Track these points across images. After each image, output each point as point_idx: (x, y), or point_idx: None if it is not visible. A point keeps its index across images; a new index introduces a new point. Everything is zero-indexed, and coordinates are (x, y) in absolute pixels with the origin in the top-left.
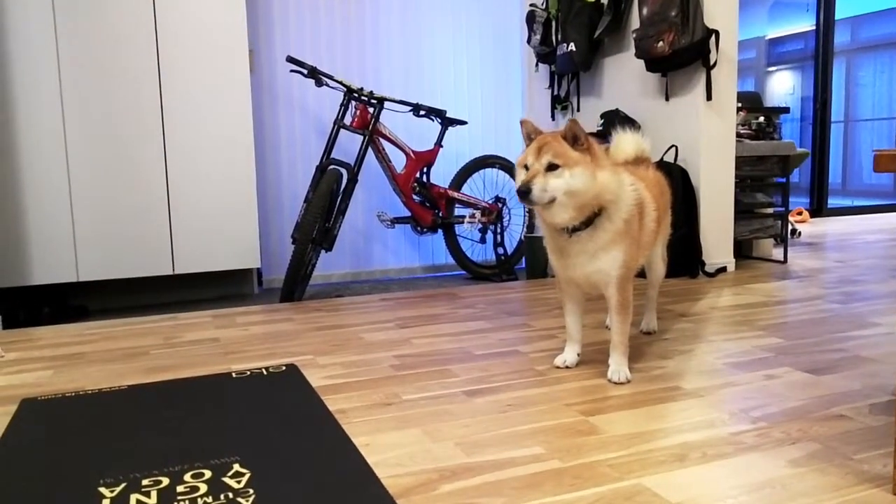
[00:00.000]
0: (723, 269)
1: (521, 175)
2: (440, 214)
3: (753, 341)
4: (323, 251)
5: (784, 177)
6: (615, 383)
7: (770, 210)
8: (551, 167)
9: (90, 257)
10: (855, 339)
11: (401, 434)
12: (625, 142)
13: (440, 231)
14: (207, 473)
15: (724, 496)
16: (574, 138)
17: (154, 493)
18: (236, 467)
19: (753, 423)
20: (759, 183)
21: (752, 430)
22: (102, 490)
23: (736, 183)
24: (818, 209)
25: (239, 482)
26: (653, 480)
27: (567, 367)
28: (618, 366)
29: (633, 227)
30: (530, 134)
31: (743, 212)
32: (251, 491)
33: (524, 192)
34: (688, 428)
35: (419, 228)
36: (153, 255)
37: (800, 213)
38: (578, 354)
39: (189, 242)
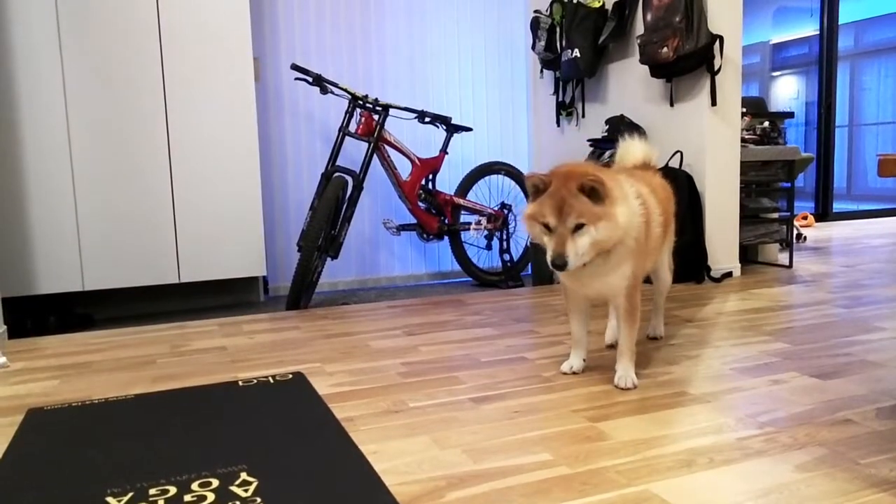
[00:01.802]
0: (728, 275)
1: (535, 229)
2: (446, 221)
3: (760, 346)
4: (329, 259)
5: (789, 181)
6: (622, 389)
7: (775, 215)
8: (577, 227)
9: (96, 266)
10: (861, 344)
11: (408, 441)
12: (633, 148)
13: (446, 238)
14: (215, 482)
15: (732, 502)
16: (592, 192)
17: (161, 503)
18: (243, 476)
19: (760, 428)
20: (765, 188)
21: (759, 436)
22: (109, 500)
23: (741, 188)
24: (823, 214)
25: (246, 491)
26: (660, 486)
27: (574, 373)
28: (625, 371)
29: (640, 240)
30: (537, 185)
31: (748, 217)
32: (259, 500)
33: (562, 265)
34: (695, 433)
35: (425, 235)
36: (159, 264)
37: (805, 218)
38: (585, 360)
39: (195, 251)
